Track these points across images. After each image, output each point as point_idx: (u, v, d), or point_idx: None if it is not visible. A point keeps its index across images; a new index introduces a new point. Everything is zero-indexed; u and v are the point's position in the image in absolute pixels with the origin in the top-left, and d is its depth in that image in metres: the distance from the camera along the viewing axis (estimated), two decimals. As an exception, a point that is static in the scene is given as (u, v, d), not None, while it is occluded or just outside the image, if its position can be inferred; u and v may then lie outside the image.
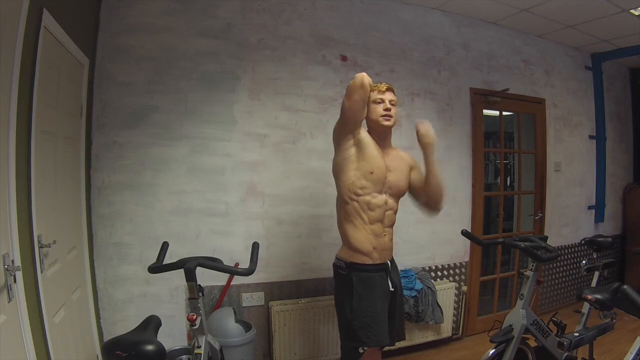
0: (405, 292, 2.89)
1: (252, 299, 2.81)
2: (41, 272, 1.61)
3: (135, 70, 2.55)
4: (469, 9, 3.43)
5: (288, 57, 2.91)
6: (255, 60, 2.82)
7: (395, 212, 2.10)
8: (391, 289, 2.02)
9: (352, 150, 1.99)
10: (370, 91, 2.00)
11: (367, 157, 1.96)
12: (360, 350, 1.94)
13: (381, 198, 2.00)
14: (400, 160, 2.12)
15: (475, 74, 3.63)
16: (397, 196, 2.09)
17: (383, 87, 2.05)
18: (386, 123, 2.01)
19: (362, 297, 1.93)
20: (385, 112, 2.00)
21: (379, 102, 2.02)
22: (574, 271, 4.33)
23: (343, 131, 2.00)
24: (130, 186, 2.55)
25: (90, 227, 2.44)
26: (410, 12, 3.33)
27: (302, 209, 2.92)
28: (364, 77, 1.89)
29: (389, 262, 2.06)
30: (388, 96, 2.03)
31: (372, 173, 1.95)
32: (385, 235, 2.03)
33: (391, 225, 2.09)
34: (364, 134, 2.01)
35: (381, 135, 2.05)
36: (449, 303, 3.29)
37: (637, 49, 4.07)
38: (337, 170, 2.04)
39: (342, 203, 2.04)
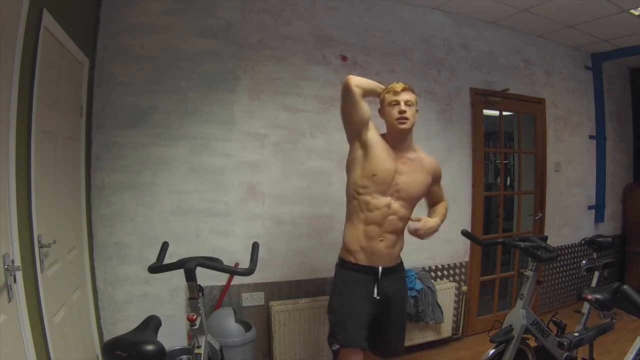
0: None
1: (252, 299, 2.81)
2: (41, 272, 1.61)
3: (135, 70, 2.55)
4: (469, 9, 3.43)
5: (288, 57, 2.91)
6: (255, 60, 2.82)
7: (402, 219, 1.98)
8: (375, 296, 1.92)
9: (360, 152, 1.96)
10: (386, 92, 1.97)
11: (372, 159, 1.92)
12: (333, 348, 1.91)
13: (383, 200, 1.92)
14: (418, 165, 2.01)
15: (475, 74, 3.63)
16: (407, 201, 1.97)
17: (398, 87, 1.95)
18: (401, 127, 1.91)
19: (341, 293, 1.93)
20: (399, 115, 1.91)
21: (394, 105, 1.92)
22: (574, 271, 4.33)
23: (347, 134, 2.00)
24: (130, 186, 2.55)
25: (90, 227, 2.44)
26: (410, 12, 3.33)
27: (302, 209, 2.92)
28: (348, 80, 1.86)
29: (380, 268, 1.94)
30: (404, 97, 1.92)
31: (374, 175, 1.91)
32: (382, 240, 1.93)
33: (394, 232, 1.97)
34: (372, 135, 1.95)
35: (398, 138, 1.97)
36: (449, 303, 3.29)
37: (637, 49, 4.07)
38: (348, 169, 2.03)
39: (348, 200, 2.03)
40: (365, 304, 1.91)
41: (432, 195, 2.16)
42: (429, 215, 2.14)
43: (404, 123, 1.91)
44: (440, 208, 2.16)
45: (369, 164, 1.92)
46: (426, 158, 2.07)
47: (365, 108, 1.93)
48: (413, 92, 1.97)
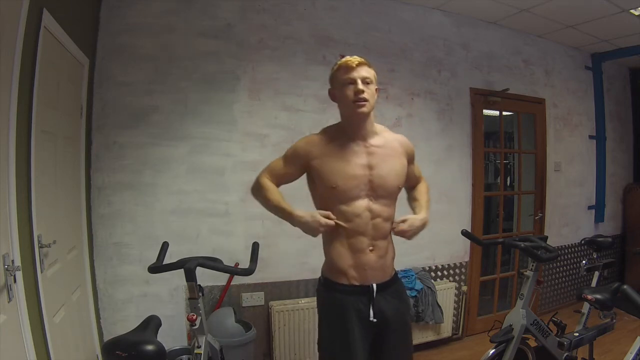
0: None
1: (252, 299, 2.81)
2: (41, 272, 1.61)
3: (135, 70, 2.55)
4: (469, 9, 3.43)
5: (288, 57, 2.91)
6: (255, 60, 2.82)
7: (388, 219, 1.63)
8: (372, 319, 1.57)
9: (311, 175, 1.66)
10: (336, 70, 1.61)
11: (326, 173, 1.59)
12: None
13: (360, 205, 1.58)
14: (389, 150, 1.66)
15: (475, 74, 3.63)
16: (387, 197, 1.63)
17: (353, 61, 1.57)
18: (359, 110, 1.56)
19: (331, 323, 1.59)
20: (356, 97, 1.55)
21: (349, 84, 1.56)
22: (574, 271, 4.33)
23: None
24: (130, 186, 2.55)
25: (90, 227, 2.44)
26: (410, 12, 3.33)
27: (302, 209, 2.91)
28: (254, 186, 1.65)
29: (374, 285, 1.59)
30: (361, 73, 1.56)
31: (334, 187, 1.57)
32: (372, 250, 1.59)
33: (383, 237, 1.62)
34: (314, 155, 1.62)
35: (357, 124, 1.62)
36: (449, 303, 3.29)
37: (637, 49, 4.07)
38: (308, 184, 1.73)
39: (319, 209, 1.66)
40: (364, 332, 1.58)
41: (409, 178, 1.77)
42: (410, 203, 1.80)
43: (362, 106, 1.55)
44: (422, 195, 1.80)
45: (323, 179, 1.60)
46: (393, 138, 1.72)
47: (288, 176, 1.70)
48: (371, 66, 1.61)
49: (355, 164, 1.59)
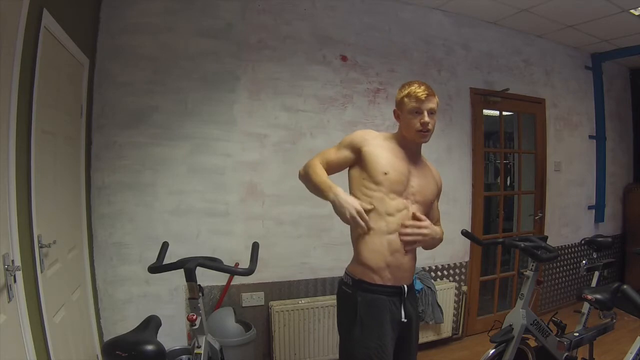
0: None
1: (252, 299, 2.81)
2: (41, 272, 1.61)
3: (135, 70, 2.55)
4: (469, 9, 3.43)
5: (288, 57, 2.91)
6: (255, 60, 2.82)
7: None
8: (403, 319, 1.63)
9: (359, 164, 1.70)
10: (405, 96, 1.67)
11: (379, 159, 1.65)
12: None
13: (402, 201, 1.64)
14: (427, 171, 1.79)
15: (475, 74, 3.63)
16: (423, 205, 1.70)
17: (422, 93, 1.64)
18: (422, 140, 1.70)
19: (366, 325, 1.58)
20: (421, 128, 1.65)
21: (416, 113, 1.64)
22: (574, 271, 4.33)
23: None
24: (130, 186, 2.55)
25: (90, 227, 2.44)
26: (410, 12, 3.33)
27: (302, 209, 2.92)
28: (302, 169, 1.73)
29: (405, 286, 1.65)
30: (428, 105, 1.65)
31: (386, 174, 1.62)
32: (406, 252, 1.64)
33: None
34: (372, 143, 1.69)
35: (412, 147, 1.74)
36: (449, 303, 3.29)
37: (637, 49, 4.07)
38: (350, 178, 1.76)
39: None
40: (394, 333, 1.63)
41: (432, 210, 1.83)
42: None
43: (425, 136, 1.68)
44: (438, 229, 1.80)
45: (375, 164, 1.65)
46: (432, 167, 1.85)
47: (341, 161, 1.73)
48: (435, 95, 1.69)
49: (403, 165, 1.69)
